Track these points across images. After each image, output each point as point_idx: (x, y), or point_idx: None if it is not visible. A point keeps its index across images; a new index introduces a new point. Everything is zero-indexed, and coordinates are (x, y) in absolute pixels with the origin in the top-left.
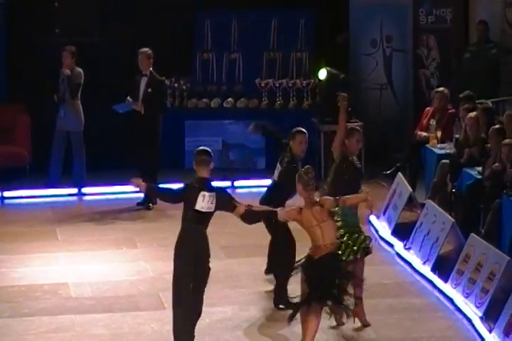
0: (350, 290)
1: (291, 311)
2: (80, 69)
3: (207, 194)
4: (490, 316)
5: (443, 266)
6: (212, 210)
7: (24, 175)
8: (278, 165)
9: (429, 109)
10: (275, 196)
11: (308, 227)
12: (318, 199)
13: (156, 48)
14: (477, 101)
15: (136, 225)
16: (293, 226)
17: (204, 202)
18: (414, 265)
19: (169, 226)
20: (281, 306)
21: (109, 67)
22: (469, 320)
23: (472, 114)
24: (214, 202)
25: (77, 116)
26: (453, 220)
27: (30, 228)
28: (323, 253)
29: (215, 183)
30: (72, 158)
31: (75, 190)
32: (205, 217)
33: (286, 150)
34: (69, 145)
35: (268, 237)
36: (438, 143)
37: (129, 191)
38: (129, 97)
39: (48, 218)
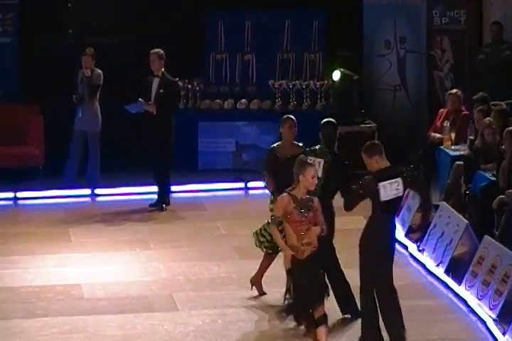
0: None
1: None
2: (99, 71)
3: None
4: (504, 318)
5: (457, 268)
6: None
7: (37, 176)
8: (314, 160)
9: (442, 111)
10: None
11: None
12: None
13: (169, 49)
14: (491, 102)
15: (149, 226)
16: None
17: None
18: (428, 267)
19: (182, 227)
20: None
21: (122, 67)
22: (483, 322)
23: (487, 120)
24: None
25: (95, 117)
26: (467, 222)
27: (43, 229)
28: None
29: None
30: (87, 159)
31: (88, 191)
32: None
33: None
34: (85, 145)
35: None
36: (452, 145)
37: (142, 192)
38: (140, 98)
39: (61, 219)
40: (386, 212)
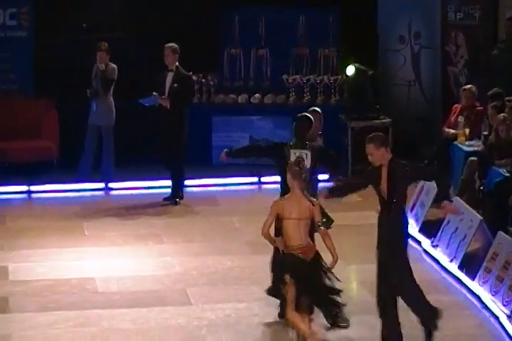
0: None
1: None
2: (114, 65)
3: None
4: None
5: (470, 264)
6: None
7: (52, 170)
8: (301, 154)
9: (457, 106)
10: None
11: (284, 219)
12: (312, 199)
13: (184, 44)
14: (506, 98)
15: (162, 220)
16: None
17: None
18: (442, 262)
19: (196, 221)
20: None
21: (136, 62)
22: (497, 318)
23: (501, 116)
24: None
25: (109, 111)
26: (481, 218)
27: (57, 223)
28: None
29: None
30: (102, 153)
31: (102, 185)
32: None
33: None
34: (99, 139)
35: None
36: (466, 141)
37: (156, 186)
38: (154, 92)
39: (75, 213)
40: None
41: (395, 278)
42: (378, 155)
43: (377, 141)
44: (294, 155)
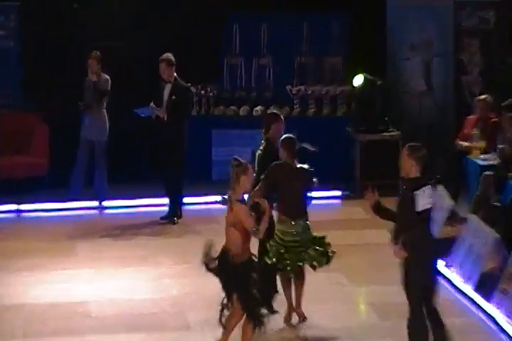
0: None
1: None
2: (106, 76)
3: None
4: None
5: (486, 285)
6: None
7: (42, 187)
8: None
9: (471, 118)
10: None
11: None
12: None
13: (182, 53)
14: None
15: (159, 241)
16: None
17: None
18: (456, 283)
19: (195, 241)
20: None
21: (132, 73)
22: None
23: None
24: None
25: (102, 125)
26: (497, 236)
27: (48, 243)
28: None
29: None
30: (94, 169)
31: (95, 203)
32: None
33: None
34: (92, 155)
35: None
36: (481, 154)
37: (153, 204)
38: (152, 103)
39: (68, 233)
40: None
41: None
42: (404, 164)
43: (413, 150)
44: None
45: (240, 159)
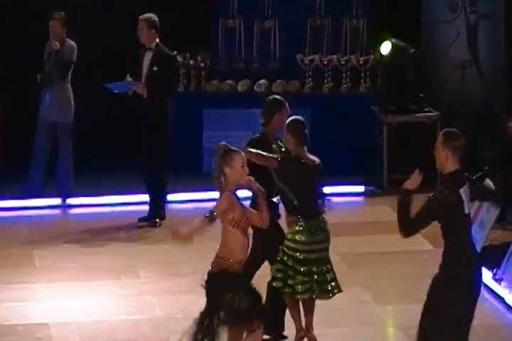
0: None
1: None
2: (72, 43)
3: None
4: None
5: None
6: None
7: None
8: None
9: None
10: None
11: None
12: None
13: (167, 14)
14: None
15: (138, 248)
16: None
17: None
18: (508, 301)
19: (181, 248)
20: None
21: (104, 38)
22: None
23: None
24: None
25: (66, 103)
26: None
27: None
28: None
29: None
30: (57, 159)
31: (58, 201)
32: None
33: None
34: (54, 141)
35: None
36: None
37: (129, 202)
38: (128, 76)
39: (23, 237)
40: (468, 230)
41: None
42: (438, 155)
43: (448, 138)
44: None
45: (228, 145)
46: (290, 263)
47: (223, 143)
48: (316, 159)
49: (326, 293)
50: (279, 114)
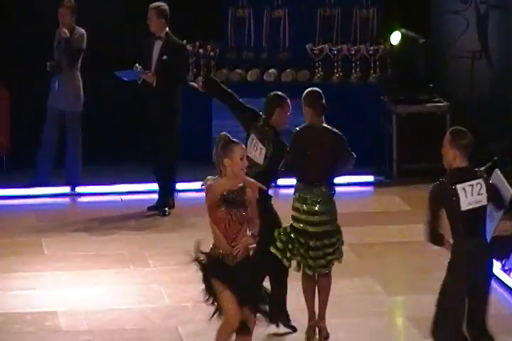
0: None
1: None
2: (82, 30)
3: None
4: None
5: None
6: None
7: (1, 170)
8: (256, 144)
9: None
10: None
11: None
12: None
13: (177, 4)
14: None
15: (147, 236)
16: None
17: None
18: None
19: (190, 237)
20: None
21: (114, 26)
22: None
23: None
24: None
25: (75, 92)
26: None
27: (7, 239)
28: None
29: None
30: (65, 147)
31: (67, 189)
32: None
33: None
34: (63, 129)
35: None
36: None
37: (138, 191)
38: (137, 64)
39: (32, 226)
40: (468, 229)
41: None
42: (446, 154)
43: (455, 136)
44: (251, 140)
45: (229, 136)
46: (288, 230)
47: (224, 133)
48: (335, 129)
49: (324, 268)
50: (280, 110)
